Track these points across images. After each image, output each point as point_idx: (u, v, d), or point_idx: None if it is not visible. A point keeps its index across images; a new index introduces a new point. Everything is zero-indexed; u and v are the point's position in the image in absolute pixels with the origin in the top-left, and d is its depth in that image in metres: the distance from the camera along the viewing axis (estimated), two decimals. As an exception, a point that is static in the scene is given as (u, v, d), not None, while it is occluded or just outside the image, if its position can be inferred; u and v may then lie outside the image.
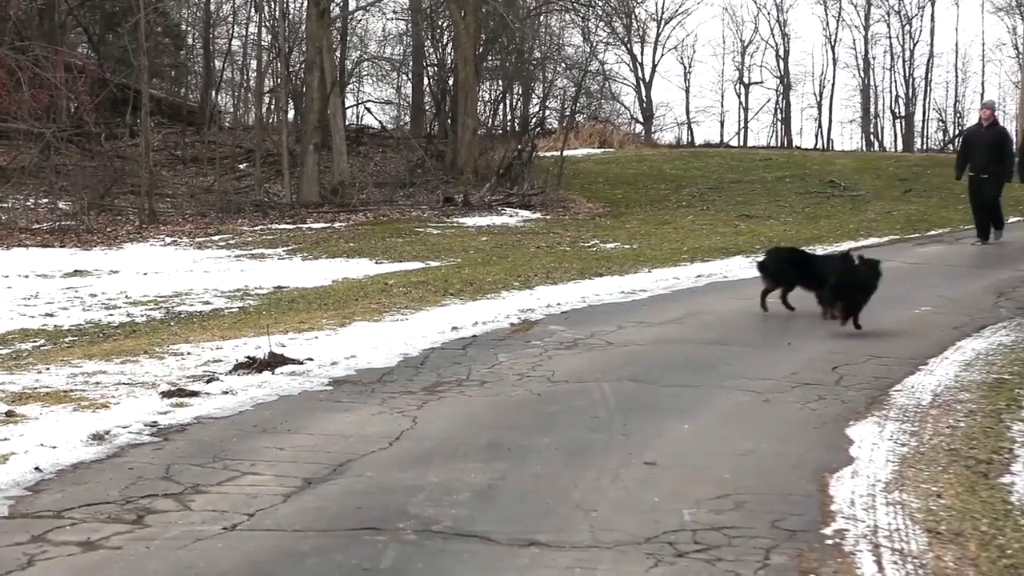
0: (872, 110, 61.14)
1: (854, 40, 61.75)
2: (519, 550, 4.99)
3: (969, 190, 18.07)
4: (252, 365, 8.76)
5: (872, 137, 60.38)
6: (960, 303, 12.36)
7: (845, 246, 18.47)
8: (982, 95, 58.17)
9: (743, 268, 15.79)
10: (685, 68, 62.57)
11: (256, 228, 24.05)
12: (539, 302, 12.37)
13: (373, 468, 6.20)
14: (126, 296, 14.34)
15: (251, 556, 4.95)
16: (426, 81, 37.25)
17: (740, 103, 63.36)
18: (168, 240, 22.20)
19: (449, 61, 34.50)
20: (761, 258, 12.55)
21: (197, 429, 7.08)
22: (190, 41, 39.81)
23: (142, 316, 12.80)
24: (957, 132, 53.25)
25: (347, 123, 33.88)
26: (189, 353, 9.59)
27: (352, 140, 32.37)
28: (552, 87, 36.73)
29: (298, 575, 4.79)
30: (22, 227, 22.49)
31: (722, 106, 64.11)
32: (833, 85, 61.79)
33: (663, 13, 59.22)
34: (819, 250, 17.98)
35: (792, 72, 62.07)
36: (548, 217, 26.33)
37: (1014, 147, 18.69)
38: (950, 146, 49.63)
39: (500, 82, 36.49)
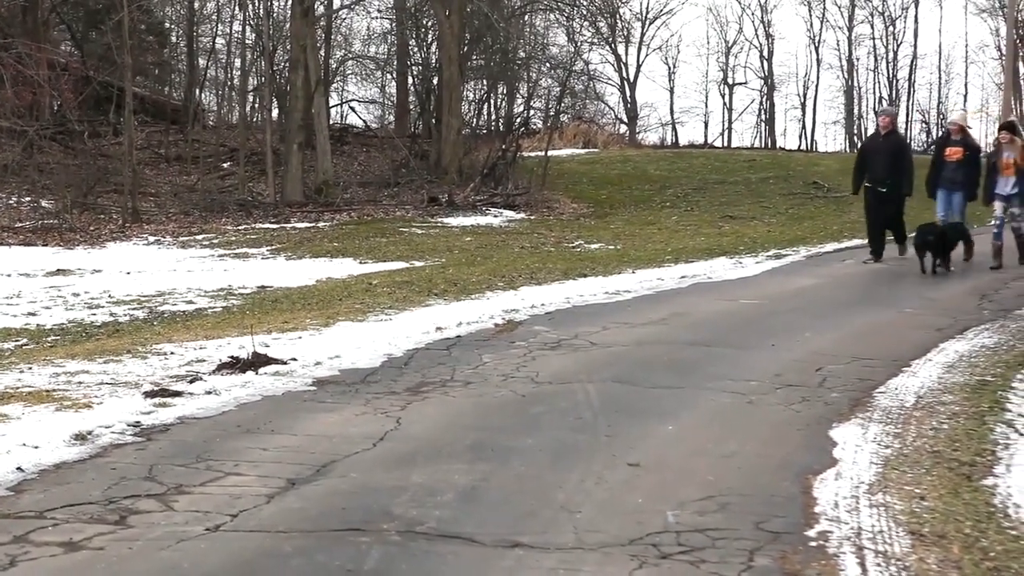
0: (856, 111, 61.50)
1: (838, 41, 62.19)
2: (503, 551, 4.98)
3: (865, 204, 16.54)
4: (235, 365, 8.73)
5: (856, 138, 60.62)
6: (943, 305, 12.40)
7: (829, 247, 18.60)
8: (965, 96, 58.58)
9: (727, 269, 15.85)
10: (669, 68, 62.86)
11: (240, 227, 24.01)
12: (523, 302, 12.37)
13: (357, 469, 6.19)
14: (109, 295, 14.29)
15: (234, 557, 4.93)
16: (410, 80, 37.26)
17: (724, 104, 63.65)
18: (151, 239, 22.15)
19: (433, 60, 34.51)
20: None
21: (180, 429, 7.06)
22: (174, 39, 39.73)
23: (125, 315, 12.75)
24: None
25: (331, 122, 33.85)
26: (172, 353, 9.56)
27: (336, 139, 32.38)
28: (536, 87, 36.81)
29: (282, 576, 4.78)
30: (4, 225, 22.40)
31: (706, 107, 64.43)
32: (817, 86, 62.17)
33: (647, 13, 59.46)
34: (803, 251, 18.09)
35: (776, 73, 62.48)
36: (532, 217, 26.34)
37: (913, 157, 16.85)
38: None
39: (484, 82, 36.53)
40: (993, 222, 15.56)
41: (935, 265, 14.70)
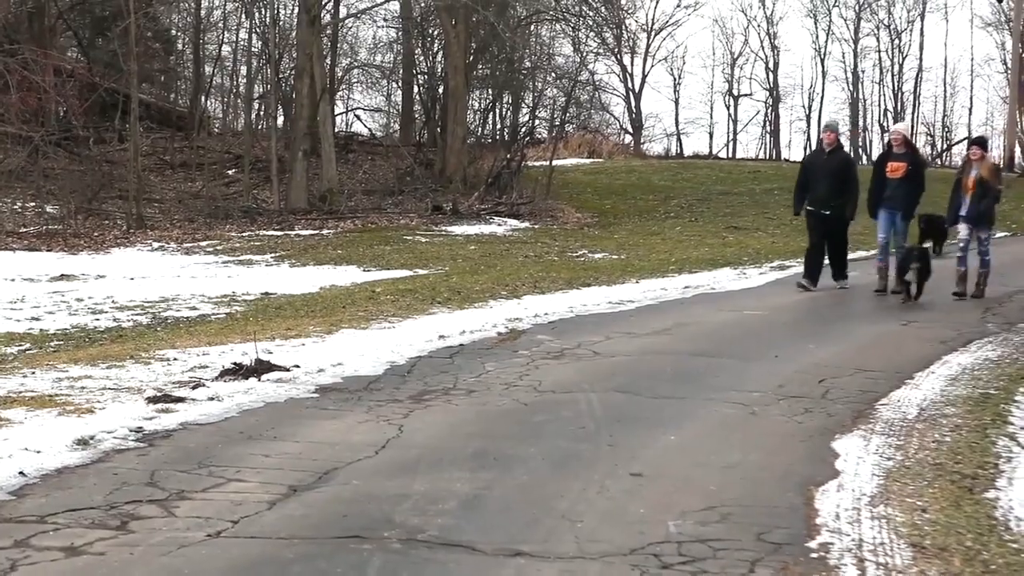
0: (861, 123, 61.42)
1: (843, 53, 62.18)
2: (505, 560, 4.98)
3: (808, 227, 14.93)
4: (238, 371, 8.74)
5: (860, 150, 60.64)
6: (947, 317, 12.40)
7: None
8: (970, 109, 58.53)
9: (731, 280, 15.85)
10: (675, 79, 62.93)
11: (244, 234, 24.03)
12: (527, 311, 12.37)
13: (359, 476, 6.19)
14: (113, 301, 14.30)
15: (235, 563, 4.93)
16: (416, 89, 37.27)
17: (729, 115, 63.68)
18: (155, 245, 22.16)
19: (439, 69, 34.54)
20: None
21: (183, 435, 7.06)
22: (180, 46, 39.79)
23: (129, 321, 12.77)
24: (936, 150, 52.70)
25: (336, 130, 33.88)
26: (175, 359, 9.56)
27: (341, 147, 32.40)
28: (542, 97, 36.75)
29: (282, 583, 4.78)
30: (9, 230, 22.43)
31: (711, 118, 64.44)
32: (822, 98, 62.17)
33: (653, 24, 59.52)
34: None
35: (781, 84, 62.47)
36: (536, 226, 26.36)
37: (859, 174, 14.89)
38: (938, 160, 49.84)
39: (490, 91, 36.51)
40: (960, 244, 14.02)
41: (918, 292, 13.44)
